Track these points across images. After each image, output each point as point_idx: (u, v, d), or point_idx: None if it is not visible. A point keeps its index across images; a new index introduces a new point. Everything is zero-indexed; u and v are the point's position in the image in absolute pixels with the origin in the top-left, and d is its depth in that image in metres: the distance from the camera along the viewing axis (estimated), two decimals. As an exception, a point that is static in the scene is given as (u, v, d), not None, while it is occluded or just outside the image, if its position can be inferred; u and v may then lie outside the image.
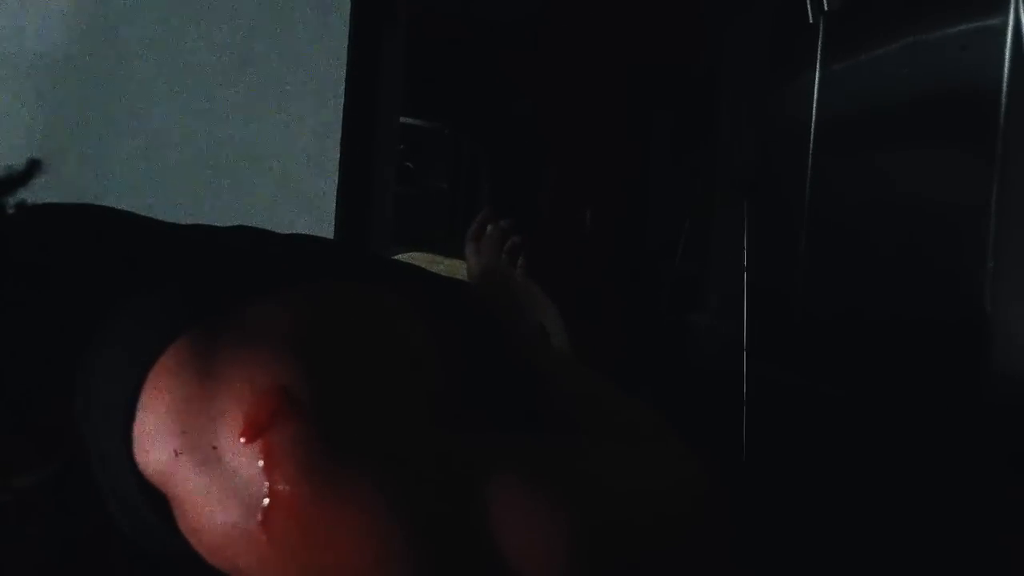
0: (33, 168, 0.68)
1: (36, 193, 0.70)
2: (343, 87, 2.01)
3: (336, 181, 2.03)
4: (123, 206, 0.76)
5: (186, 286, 0.62)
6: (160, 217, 0.76)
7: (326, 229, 2.01)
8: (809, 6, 2.34)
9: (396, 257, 1.28)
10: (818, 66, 2.35)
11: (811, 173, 2.38)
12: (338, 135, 2.02)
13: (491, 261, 1.07)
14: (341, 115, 2.01)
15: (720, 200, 3.09)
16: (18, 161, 0.69)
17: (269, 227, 0.80)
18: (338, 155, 2.02)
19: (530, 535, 0.58)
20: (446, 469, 0.58)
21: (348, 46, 2.00)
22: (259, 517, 0.54)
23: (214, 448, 0.55)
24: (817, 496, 1.30)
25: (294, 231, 0.83)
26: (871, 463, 1.58)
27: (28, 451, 0.61)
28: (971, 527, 1.24)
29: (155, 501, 0.58)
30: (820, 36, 2.34)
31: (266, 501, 0.54)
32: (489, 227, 1.10)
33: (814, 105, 2.36)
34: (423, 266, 1.09)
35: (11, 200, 0.67)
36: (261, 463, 0.54)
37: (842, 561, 1.10)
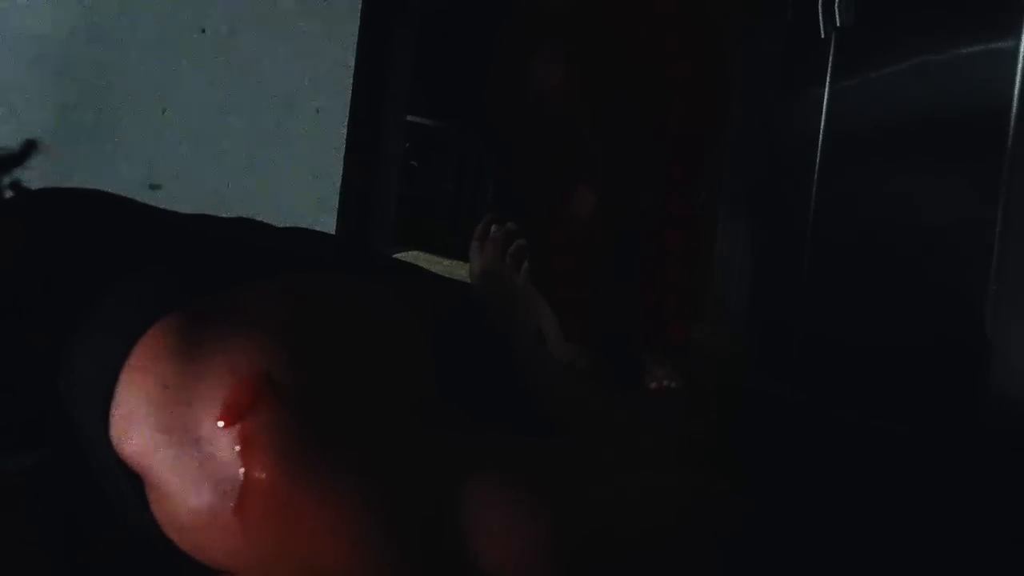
0: (28, 149, 0.68)
1: (37, 175, 0.69)
2: (351, 84, 2.01)
3: (340, 179, 2.02)
4: (122, 194, 0.76)
5: (174, 271, 0.62)
6: (159, 206, 0.76)
7: (329, 226, 2.00)
8: (821, 21, 2.33)
9: (399, 256, 1.27)
10: (828, 81, 2.34)
11: (817, 187, 2.37)
12: (344, 132, 2.02)
13: (493, 263, 1.06)
14: (347, 112, 2.01)
15: (724, 212, 3.08)
16: (15, 142, 0.69)
17: (271, 223, 0.80)
18: (343, 152, 2.02)
19: (505, 535, 0.58)
20: (424, 465, 0.58)
21: (357, 43, 2.00)
22: (233, 503, 0.54)
23: (191, 430, 0.55)
24: (812, 512, 1.29)
25: (297, 227, 0.83)
26: (867, 482, 1.58)
27: (19, 433, 0.61)
28: (967, 547, 1.23)
29: (137, 485, 0.58)
30: (831, 51, 2.33)
31: (240, 486, 0.54)
32: (493, 228, 1.09)
33: (823, 120, 2.35)
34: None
35: (6, 180, 0.66)
36: (238, 448, 0.54)
37: (839, 574, 1.10)
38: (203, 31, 1.96)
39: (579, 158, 2.45)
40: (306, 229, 0.77)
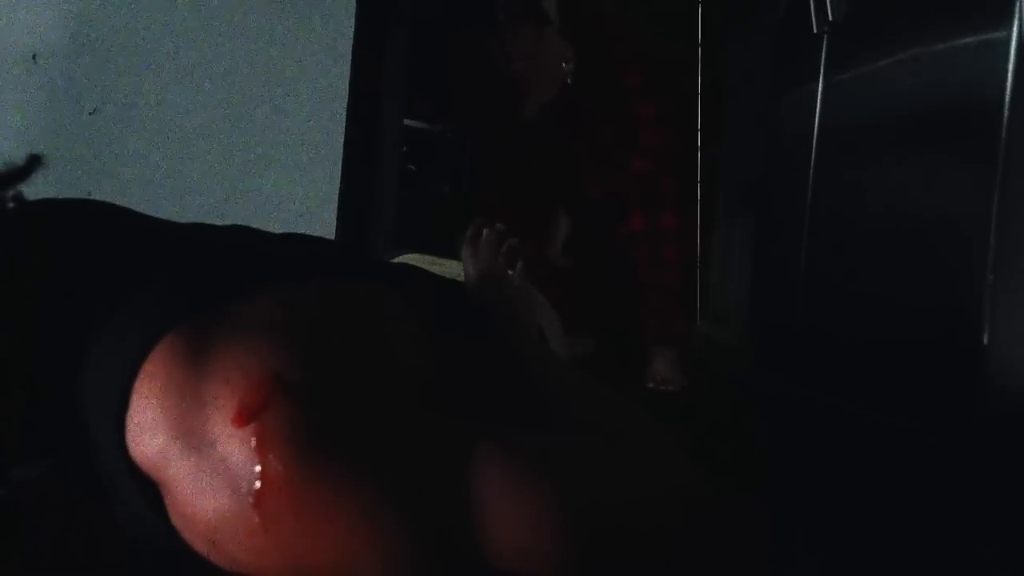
0: (33, 163, 0.69)
1: (39, 188, 0.70)
2: (347, 89, 2.01)
3: (339, 183, 2.03)
4: (124, 203, 0.77)
5: (181, 282, 0.63)
6: (160, 215, 0.77)
7: (328, 231, 2.01)
8: (814, 16, 2.34)
9: (399, 258, 1.28)
10: (821, 76, 2.34)
11: (813, 182, 2.38)
12: (341, 137, 2.02)
13: (488, 265, 1.07)
14: (344, 117, 2.02)
15: (721, 208, 3.09)
16: (19, 155, 0.69)
17: (271, 227, 0.81)
18: (341, 157, 2.03)
19: (514, 520, 0.59)
20: (434, 450, 0.59)
21: (352, 48, 2.01)
22: (251, 499, 0.55)
23: (206, 433, 0.56)
24: (813, 504, 1.30)
25: (295, 232, 0.84)
26: (866, 473, 1.58)
27: (27, 443, 0.62)
28: (968, 538, 1.24)
29: (148, 493, 0.59)
30: (824, 47, 2.34)
31: (258, 484, 0.55)
32: (486, 231, 1.10)
33: (817, 115, 2.36)
34: (424, 268, 1.10)
35: (9, 194, 0.67)
36: (254, 446, 0.55)
37: (839, 568, 1.10)
38: (200, 37, 1.97)
39: (559, 184, 2.53)
40: (303, 235, 0.78)
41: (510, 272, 1.09)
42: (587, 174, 2.49)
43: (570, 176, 2.50)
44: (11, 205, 0.69)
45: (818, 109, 2.35)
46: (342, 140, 2.03)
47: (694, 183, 2.65)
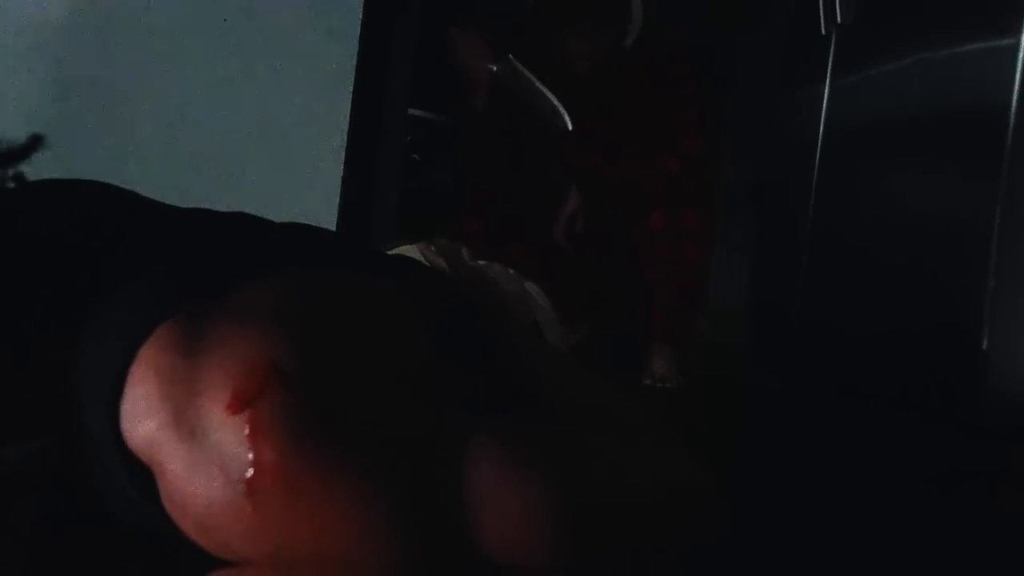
0: (34, 143, 0.69)
1: (43, 167, 0.70)
2: (352, 78, 2.01)
3: (342, 172, 2.03)
4: (125, 186, 0.77)
5: (178, 268, 0.63)
6: (160, 200, 0.77)
7: (331, 220, 2.01)
8: (822, 18, 2.34)
9: (401, 248, 1.28)
10: (828, 78, 2.35)
11: (816, 184, 2.38)
12: (345, 126, 2.02)
13: (463, 270, 1.06)
14: (349, 106, 2.02)
15: (724, 207, 3.09)
16: (22, 134, 0.69)
17: (272, 216, 0.81)
18: (345, 146, 2.03)
19: (506, 512, 0.59)
20: (427, 444, 0.59)
21: (359, 37, 2.01)
22: (243, 487, 0.55)
23: (200, 420, 0.56)
24: (811, 505, 1.31)
25: (297, 221, 0.84)
26: (867, 476, 1.59)
27: (20, 424, 0.62)
28: (966, 541, 1.24)
29: (140, 478, 0.59)
30: (832, 49, 2.34)
31: (250, 471, 0.55)
32: (417, 247, 1.08)
33: (822, 116, 2.36)
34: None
35: (9, 173, 0.67)
36: (247, 434, 0.55)
37: (836, 569, 1.11)
38: (205, 24, 1.97)
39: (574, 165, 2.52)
40: (303, 224, 0.78)
41: (482, 268, 1.08)
42: (609, 157, 2.48)
43: (590, 157, 2.49)
44: (11, 185, 0.69)
45: (824, 110, 2.35)
46: (346, 129, 2.03)
47: (716, 185, 2.65)
